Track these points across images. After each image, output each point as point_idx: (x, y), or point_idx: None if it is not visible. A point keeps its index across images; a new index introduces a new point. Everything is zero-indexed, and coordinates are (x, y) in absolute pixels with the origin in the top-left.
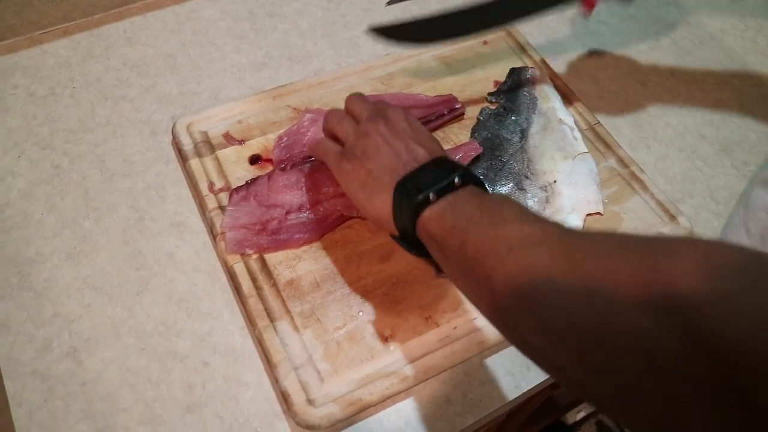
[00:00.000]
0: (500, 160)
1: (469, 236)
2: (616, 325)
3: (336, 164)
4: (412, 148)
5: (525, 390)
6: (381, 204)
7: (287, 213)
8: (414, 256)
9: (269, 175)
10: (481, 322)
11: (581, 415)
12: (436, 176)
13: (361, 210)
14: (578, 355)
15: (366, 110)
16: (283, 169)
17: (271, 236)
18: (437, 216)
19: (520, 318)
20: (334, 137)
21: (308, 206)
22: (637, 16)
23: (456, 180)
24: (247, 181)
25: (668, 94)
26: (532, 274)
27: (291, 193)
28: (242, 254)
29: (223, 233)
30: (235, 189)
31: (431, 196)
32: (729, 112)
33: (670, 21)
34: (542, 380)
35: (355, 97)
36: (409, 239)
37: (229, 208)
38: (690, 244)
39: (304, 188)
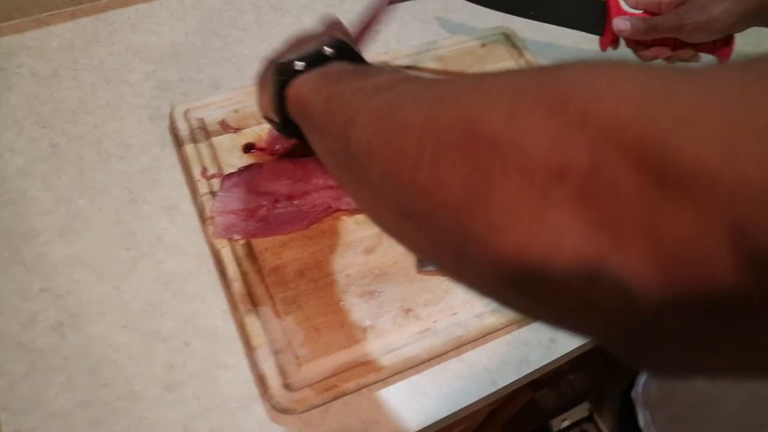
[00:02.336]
0: None
1: (335, 88)
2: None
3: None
4: (305, 41)
5: (501, 386)
6: (264, 92)
7: (276, 201)
8: (288, 137)
9: (262, 164)
10: (461, 317)
11: (566, 423)
12: (313, 48)
13: (260, 110)
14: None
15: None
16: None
17: (259, 223)
18: (304, 81)
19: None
20: None
21: (297, 196)
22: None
23: (326, 50)
24: (239, 168)
25: None
26: (396, 101)
27: (281, 182)
28: (230, 239)
29: (212, 217)
30: (227, 175)
31: (297, 64)
32: None
33: None
34: (519, 377)
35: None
36: (283, 119)
37: (220, 193)
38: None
39: (294, 178)
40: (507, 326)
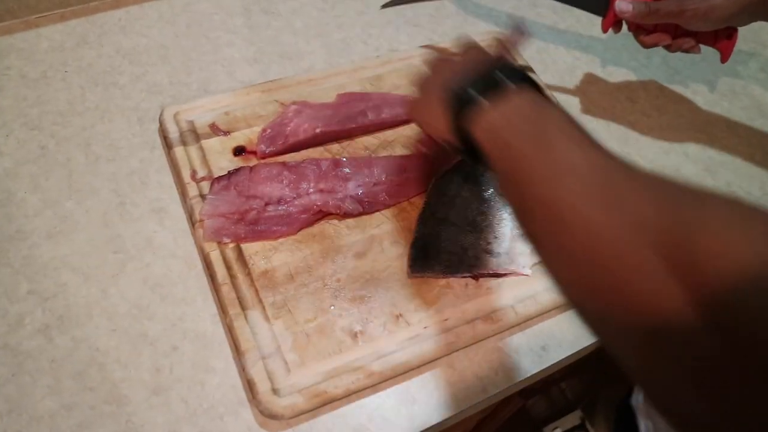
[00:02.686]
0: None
1: (516, 155)
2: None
3: (418, 86)
4: (473, 63)
5: (492, 394)
6: (437, 117)
7: (266, 204)
8: (468, 159)
9: (252, 167)
10: (452, 323)
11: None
12: (489, 79)
13: (427, 130)
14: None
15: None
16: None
17: (248, 226)
18: (487, 123)
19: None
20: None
21: (287, 200)
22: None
23: (509, 83)
24: (229, 171)
25: (656, 111)
26: (562, 205)
27: (271, 185)
28: (219, 242)
29: (201, 221)
30: (216, 178)
31: (483, 101)
32: (716, 133)
33: None
34: (510, 385)
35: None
36: (467, 147)
37: (210, 196)
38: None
39: (285, 182)
40: (498, 333)
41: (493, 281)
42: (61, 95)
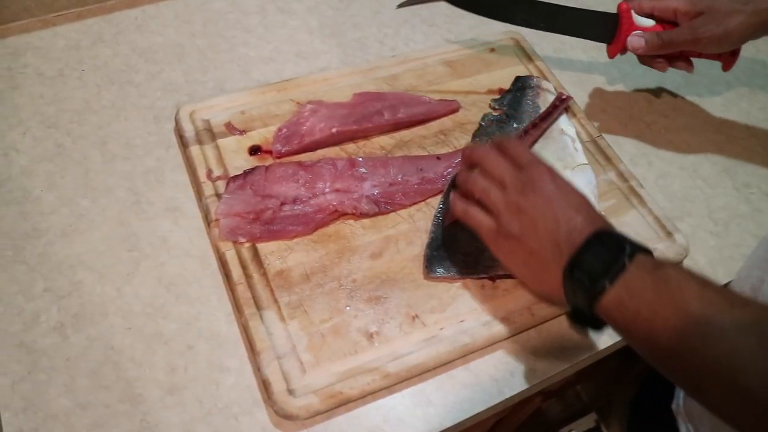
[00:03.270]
0: None
1: (655, 327)
2: None
3: (493, 241)
4: (569, 218)
5: (508, 396)
6: (549, 285)
7: (282, 204)
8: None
9: (267, 166)
10: (468, 325)
11: None
12: (605, 258)
13: (529, 286)
14: None
15: (508, 174)
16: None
17: (264, 226)
18: (616, 304)
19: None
20: (477, 199)
21: (303, 199)
22: None
23: (626, 261)
24: (245, 171)
25: (673, 112)
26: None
27: (287, 185)
28: (234, 242)
29: (217, 220)
30: (232, 177)
31: (606, 285)
32: (734, 134)
33: None
34: (526, 387)
35: (489, 155)
36: (586, 317)
37: (225, 195)
38: None
39: (300, 181)
40: (515, 335)
41: (510, 282)
42: (78, 93)
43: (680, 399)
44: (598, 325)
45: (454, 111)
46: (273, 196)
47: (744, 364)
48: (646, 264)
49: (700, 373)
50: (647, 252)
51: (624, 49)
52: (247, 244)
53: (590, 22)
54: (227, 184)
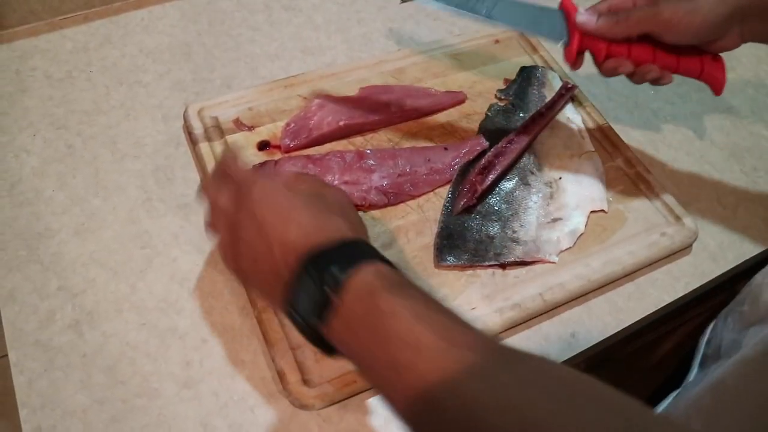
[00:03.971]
0: None
1: (374, 378)
2: None
3: (222, 258)
4: (282, 240)
5: None
6: (279, 307)
7: None
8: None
9: (277, 161)
10: (480, 312)
11: None
12: (312, 293)
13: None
14: None
15: (222, 196)
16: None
17: None
18: (338, 341)
19: None
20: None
21: None
22: None
23: (331, 295)
24: (254, 166)
25: (679, 99)
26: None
27: None
28: None
29: None
30: None
31: (318, 325)
32: (740, 120)
33: None
34: None
35: (219, 173)
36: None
37: None
38: None
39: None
40: (527, 321)
41: (520, 270)
42: (87, 95)
43: (663, 407)
44: (324, 346)
45: (461, 102)
46: None
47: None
48: (361, 291)
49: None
50: (372, 262)
51: (582, 51)
52: None
53: (536, 18)
54: None
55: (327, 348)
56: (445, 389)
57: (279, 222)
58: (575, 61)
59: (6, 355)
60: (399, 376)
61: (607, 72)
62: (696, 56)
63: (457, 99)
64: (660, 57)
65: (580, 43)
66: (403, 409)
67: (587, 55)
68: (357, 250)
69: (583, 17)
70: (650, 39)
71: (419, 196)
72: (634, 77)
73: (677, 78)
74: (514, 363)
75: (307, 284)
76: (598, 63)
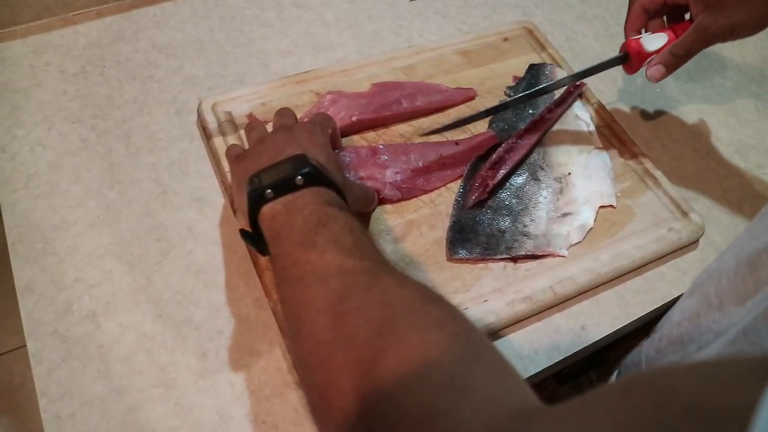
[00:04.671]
0: None
1: (281, 252)
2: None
3: (230, 164)
4: (284, 148)
5: (533, 373)
6: (241, 199)
7: None
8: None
9: None
10: (491, 305)
11: None
12: (283, 173)
13: (236, 204)
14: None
15: (278, 123)
16: None
17: None
18: (270, 216)
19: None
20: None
21: None
22: None
23: (298, 180)
24: None
25: (685, 96)
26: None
27: None
28: None
29: None
30: None
31: (267, 192)
32: (745, 117)
33: None
34: (550, 364)
35: (280, 111)
36: (254, 234)
37: None
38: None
39: None
40: (538, 313)
41: (531, 263)
42: (100, 89)
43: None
44: (258, 239)
45: (471, 99)
46: None
47: (315, 298)
48: (321, 195)
49: (286, 299)
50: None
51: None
52: None
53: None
54: None
55: (252, 224)
56: (337, 272)
57: (307, 139)
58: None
59: (8, 352)
60: (306, 252)
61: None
62: None
63: (467, 96)
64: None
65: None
66: (288, 274)
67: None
68: (334, 177)
69: (654, 73)
70: None
71: (431, 190)
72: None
73: (682, 75)
74: (394, 279)
75: (284, 166)
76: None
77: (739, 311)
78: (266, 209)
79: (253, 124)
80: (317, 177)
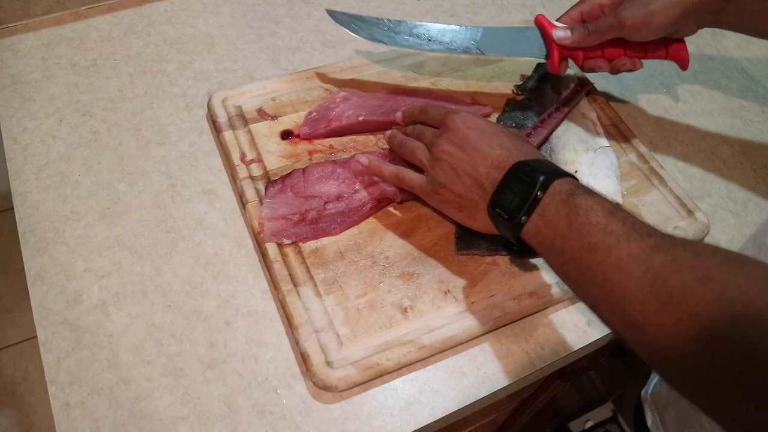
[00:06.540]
0: None
1: (565, 256)
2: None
3: (428, 196)
4: (484, 156)
5: (539, 368)
6: (482, 222)
7: (326, 203)
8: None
9: (303, 168)
10: (498, 299)
11: (590, 424)
12: (519, 192)
13: (470, 227)
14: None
15: (428, 132)
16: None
17: (310, 226)
18: (534, 234)
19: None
20: (408, 161)
21: (346, 195)
22: None
23: (538, 194)
24: (282, 175)
25: (691, 97)
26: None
27: (327, 183)
28: (279, 243)
29: (261, 224)
30: (271, 182)
31: (522, 219)
32: (751, 118)
33: None
34: (556, 359)
35: (414, 112)
36: (518, 247)
37: (267, 199)
38: None
39: (340, 178)
40: (544, 308)
41: (538, 259)
42: (111, 82)
43: (650, 386)
44: (529, 252)
45: (487, 115)
46: (316, 196)
47: (630, 292)
48: (561, 193)
49: (599, 302)
50: (566, 176)
51: (565, 59)
52: None
53: (516, 40)
54: (266, 188)
55: (517, 244)
56: (632, 261)
57: (482, 142)
58: (558, 69)
59: (10, 346)
60: (590, 255)
61: (587, 71)
62: (660, 43)
63: (482, 113)
64: (630, 51)
65: (559, 54)
66: (585, 281)
67: None
68: (552, 166)
69: (560, 33)
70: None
71: None
72: (611, 70)
73: (690, 77)
74: (684, 243)
75: (516, 187)
76: (579, 65)
77: None
78: (526, 229)
79: (394, 137)
80: (544, 175)
